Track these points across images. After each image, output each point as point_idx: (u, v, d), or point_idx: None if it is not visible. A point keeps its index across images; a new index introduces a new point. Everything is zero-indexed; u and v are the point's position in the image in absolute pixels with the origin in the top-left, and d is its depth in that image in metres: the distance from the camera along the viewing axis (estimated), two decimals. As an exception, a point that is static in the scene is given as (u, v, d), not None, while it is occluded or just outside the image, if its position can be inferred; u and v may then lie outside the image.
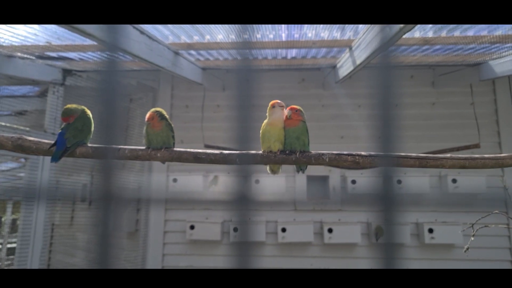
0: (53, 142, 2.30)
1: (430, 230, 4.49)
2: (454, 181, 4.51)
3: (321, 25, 3.60)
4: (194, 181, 4.80)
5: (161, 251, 4.86)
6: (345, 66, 4.33)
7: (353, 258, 4.68)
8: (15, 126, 4.36)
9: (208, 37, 4.00)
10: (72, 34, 3.67)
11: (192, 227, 4.74)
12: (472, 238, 2.93)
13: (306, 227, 4.67)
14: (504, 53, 3.99)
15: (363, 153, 2.25)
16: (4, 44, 4.01)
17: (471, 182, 4.47)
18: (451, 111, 4.92)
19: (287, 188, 4.82)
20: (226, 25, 3.54)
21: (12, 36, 3.82)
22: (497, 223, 3.69)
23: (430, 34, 3.75)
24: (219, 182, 4.85)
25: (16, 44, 4.07)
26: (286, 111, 2.38)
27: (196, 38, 4.03)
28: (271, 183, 4.65)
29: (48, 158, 2.29)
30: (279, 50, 4.47)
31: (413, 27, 2.70)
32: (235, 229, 4.58)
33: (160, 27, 3.70)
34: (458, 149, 4.28)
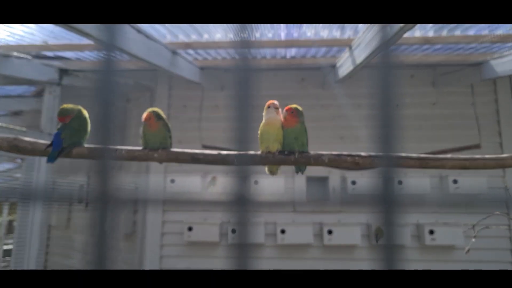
0: (49, 142, 2.27)
1: (431, 232, 4.46)
2: (455, 181, 4.48)
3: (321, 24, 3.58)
4: (192, 182, 4.77)
5: (158, 253, 4.82)
6: (345, 65, 4.30)
7: (353, 259, 4.65)
8: (11, 126, 4.33)
9: (206, 36, 3.97)
10: (69, 33, 3.63)
11: (190, 229, 4.70)
12: (473, 240, 2.91)
13: (306, 229, 4.64)
14: (505, 53, 3.98)
15: (363, 153, 2.24)
16: (0, 44, 3.97)
17: (472, 182, 4.44)
18: (452, 111, 4.89)
19: (286, 189, 4.79)
20: (224, 24, 3.51)
21: (8, 36, 3.79)
22: (498, 224, 3.67)
23: (430, 34, 3.73)
24: (218, 183, 4.82)
25: (12, 43, 4.04)
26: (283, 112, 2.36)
27: (194, 37, 4.00)
28: (270, 184, 4.62)
29: (45, 159, 2.27)
30: (278, 50, 4.45)
31: (414, 26, 2.68)
32: (234, 231, 4.55)
33: (157, 26, 3.67)
34: (458, 149, 4.26)
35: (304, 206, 4.82)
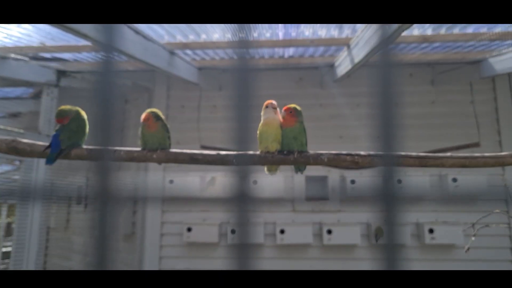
0: (47, 144, 2.27)
1: (431, 230, 4.45)
2: (454, 180, 4.48)
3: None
4: (191, 182, 4.76)
5: (158, 253, 4.81)
6: (343, 64, 4.30)
7: (353, 259, 4.64)
8: (9, 128, 4.31)
9: (204, 36, 3.96)
10: (66, 35, 3.63)
11: (189, 229, 4.69)
12: (473, 238, 2.91)
13: (305, 229, 4.63)
14: (504, 50, 3.97)
15: (362, 152, 2.23)
16: (-3, 45, 3.97)
17: (472, 181, 4.44)
18: (451, 110, 4.88)
19: (285, 188, 4.78)
20: (222, 24, 3.50)
21: (5, 37, 3.77)
22: (498, 222, 3.67)
23: (429, 32, 3.73)
24: (217, 184, 4.81)
25: (10, 45, 4.03)
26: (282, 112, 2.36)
27: (191, 38, 4.00)
28: (269, 184, 4.61)
29: (43, 160, 2.27)
30: (276, 49, 4.44)
31: (412, 24, 2.68)
32: (233, 231, 4.54)
33: (155, 26, 3.66)
34: (458, 148, 4.25)
35: (303, 205, 4.81)
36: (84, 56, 4.46)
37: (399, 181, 4.39)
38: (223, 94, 5.22)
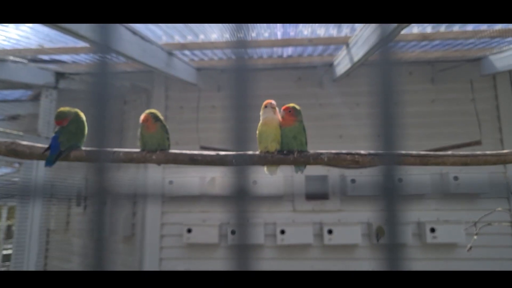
0: (47, 146, 2.27)
1: (432, 230, 4.44)
2: (456, 178, 4.46)
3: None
4: (190, 183, 4.75)
5: (158, 255, 4.80)
6: (342, 63, 4.29)
7: (354, 259, 4.62)
8: (8, 130, 4.31)
9: (202, 36, 3.95)
10: (64, 36, 3.62)
11: (189, 231, 4.68)
12: (475, 237, 2.88)
13: (305, 229, 4.62)
14: (504, 47, 3.96)
15: (362, 151, 2.22)
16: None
17: (473, 179, 4.42)
18: (452, 108, 4.87)
19: (285, 188, 4.77)
20: (220, 24, 3.49)
21: (3, 40, 3.77)
22: (500, 220, 3.66)
23: (428, 29, 3.72)
24: (216, 184, 4.80)
25: (8, 47, 4.02)
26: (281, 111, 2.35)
27: (190, 38, 3.99)
28: (269, 184, 4.60)
29: (42, 162, 2.27)
30: (275, 49, 4.43)
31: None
32: (233, 232, 4.53)
33: (153, 27, 3.65)
34: (459, 146, 4.24)
35: (303, 205, 4.80)
36: (83, 57, 4.46)
37: (400, 180, 4.37)
38: (222, 95, 5.21)
